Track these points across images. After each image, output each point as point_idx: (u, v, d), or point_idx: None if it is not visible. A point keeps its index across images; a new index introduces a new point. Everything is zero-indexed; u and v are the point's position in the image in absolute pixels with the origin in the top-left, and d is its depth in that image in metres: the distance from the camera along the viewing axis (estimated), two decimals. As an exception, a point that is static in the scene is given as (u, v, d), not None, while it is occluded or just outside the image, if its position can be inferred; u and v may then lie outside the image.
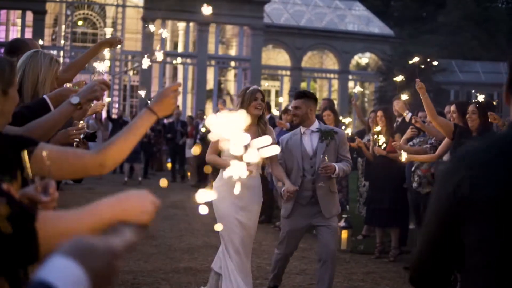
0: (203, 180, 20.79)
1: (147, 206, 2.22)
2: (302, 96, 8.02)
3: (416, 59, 8.84)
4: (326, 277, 7.74)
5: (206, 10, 6.90)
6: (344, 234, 11.22)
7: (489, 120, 8.57)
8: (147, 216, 2.22)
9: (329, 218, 7.83)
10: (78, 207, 2.18)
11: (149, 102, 3.32)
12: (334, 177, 7.80)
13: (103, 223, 2.13)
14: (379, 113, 11.13)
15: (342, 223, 11.10)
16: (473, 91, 39.03)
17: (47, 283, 1.47)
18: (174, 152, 23.81)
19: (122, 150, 3.21)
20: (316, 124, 7.99)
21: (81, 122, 5.13)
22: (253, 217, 7.71)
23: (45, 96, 4.76)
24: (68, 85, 5.48)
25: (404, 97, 10.54)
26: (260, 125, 7.60)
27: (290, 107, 8.45)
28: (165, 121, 25.21)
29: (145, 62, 7.63)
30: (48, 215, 2.11)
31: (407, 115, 10.39)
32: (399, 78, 9.05)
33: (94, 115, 21.92)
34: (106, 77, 35.62)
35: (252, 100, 7.50)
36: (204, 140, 19.70)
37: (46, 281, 1.48)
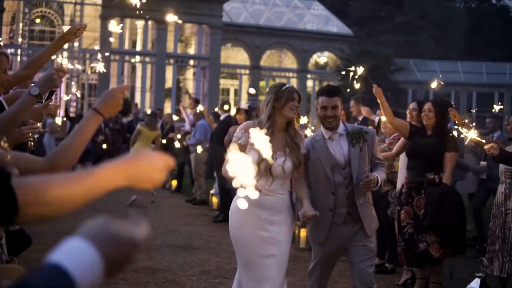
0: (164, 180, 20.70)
1: (156, 171, 2.08)
2: (338, 92, 6.52)
3: (360, 70, 8.75)
4: None
5: (171, 17, 6.67)
6: (303, 232, 11.24)
7: (449, 116, 8.66)
8: (156, 182, 2.09)
9: (369, 236, 6.42)
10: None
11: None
12: (375, 189, 6.42)
13: (101, 190, 1.97)
14: (342, 112, 11.21)
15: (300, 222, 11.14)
16: (431, 90, 39.47)
17: (60, 266, 1.45)
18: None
19: (72, 155, 3.22)
20: (341, 126, 6.52)
21: (39, 124, 5.07)
22: (283, 241, 6.11)
23: (0, 98, 4.74)
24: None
25: (365, 109, 10.69)
26: (289, 130, 6.24)
27: (319, 106, 6.47)
28: (124, 120, 25.05)
29: (100, 66, 7.29)
30: (29, 180, 1.93)
31: (375, 119, 10.49)
32: (356, 86, 8.93)
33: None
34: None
35: (289, 99, 6.11)
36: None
37: (60, 264, 1.44)
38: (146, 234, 1.69)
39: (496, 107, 15.41)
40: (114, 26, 6.82)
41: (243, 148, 6.01)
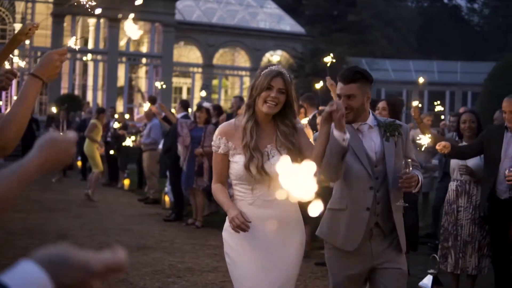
0: (114, 179, 20.57)
1: (65, 153, 2.07)
2: (359, 77, 5.11)
3: (327, 58, 8.70)
4: None
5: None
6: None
7: (411, 112, 8.73)
8: (65, 162, 2.10)
9: (401, 253, 5.12)
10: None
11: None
12: (414, 192, 5.14)
13: (29, 182, 1.98)
14: (302, 109, 11.29)
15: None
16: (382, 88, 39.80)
17: (4, 286, 1.44)
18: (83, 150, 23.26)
19: (18, 125, 3.19)
20: (371, 117, 5.17)
21: None
22: (289, 260, 4.95)
23: None
24: None
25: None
26: (280, 127, 4.89)
27: (337, 94, 5.09)
28: (77, 119, 24.80)
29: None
30: None
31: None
32: (328, 59, 8.79)
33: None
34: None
35: (263, 88, 4.75)
36: (117, 139, 19.46)
37: (5, 284, 1.44)
38: (113, 262, 1.66)
39: (438, 107, 15.74)
40: None
41: (225, 157, 4.91)
